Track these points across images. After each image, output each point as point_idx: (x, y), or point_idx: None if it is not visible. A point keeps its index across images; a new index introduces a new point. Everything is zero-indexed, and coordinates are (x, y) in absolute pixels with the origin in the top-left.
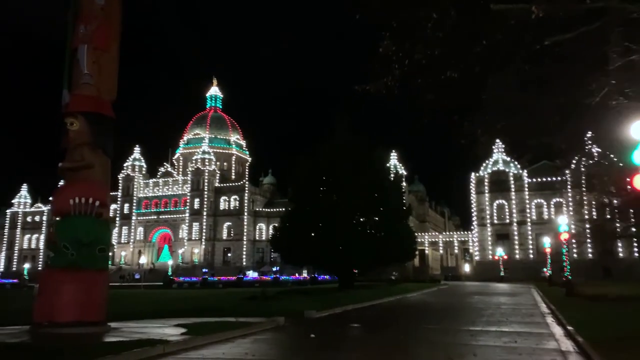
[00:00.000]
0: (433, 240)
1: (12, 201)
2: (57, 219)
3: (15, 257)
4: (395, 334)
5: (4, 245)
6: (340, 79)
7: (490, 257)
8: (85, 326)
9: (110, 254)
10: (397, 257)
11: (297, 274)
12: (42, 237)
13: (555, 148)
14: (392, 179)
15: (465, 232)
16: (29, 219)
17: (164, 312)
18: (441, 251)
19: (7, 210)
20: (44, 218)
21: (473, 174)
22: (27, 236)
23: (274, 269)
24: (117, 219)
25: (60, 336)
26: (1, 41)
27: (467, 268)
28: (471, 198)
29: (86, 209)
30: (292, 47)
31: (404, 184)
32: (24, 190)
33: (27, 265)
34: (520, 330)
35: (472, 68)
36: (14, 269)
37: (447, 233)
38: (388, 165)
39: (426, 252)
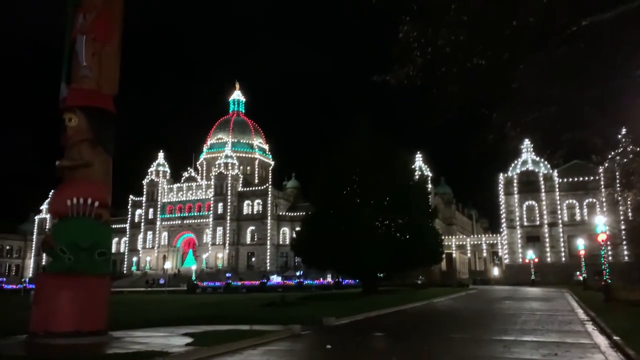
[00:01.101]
0: (460, 243)
1: (40, 208)
2: (55, 221)
3: (43, 263)
4: (419, 344)
5: (33, 251)
6: (361, 79)
7: (520, 260)
8: (83, 336)
9: (135, 259)
10: (423, 260)
11: (321, 279)
12: None
13: (589, 144)
14: (417, 179)
15: (494, 235)
16: None
17: (177, 320)
18: (469, 255)
19: (35, 217)
20: None
21: (501, 174)
22: None
23: (298, 273)
24: (142, 224)
25: (54, 347)
26: (18, 48)
27: (496, 272)
28: (500, 199)
29: (84, 210)
30: (308, 48)
31: (430, 186)
32: (50, 197)
33: None
34: (559, 341)
35: (501, 55)
36: None
37: (475, 236)
38: (413, 166)
39: (453, 255)
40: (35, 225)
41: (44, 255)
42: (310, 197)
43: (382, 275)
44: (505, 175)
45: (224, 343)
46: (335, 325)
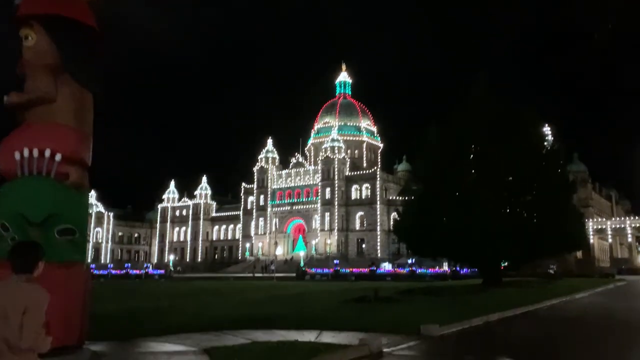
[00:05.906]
0: (599, 227)
1: (163, 197)
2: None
3: (166, 249)
4: None
5: (157, 238)
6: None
7: None
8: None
9: (248, 245)
10: (560, 246)
11: (436, 267)
12: (189, 230)
13: None
14: (549, 149)
15: None
16: (177, 212)
17: (235, 320)
18: (610, 240)
19: (159, 205)
20: (190, 211)
21: None
22: (176, 229)
23: (410, 261)
24: (254, 210)
25: None
26: None
27: None
28: None
29: (39, 167)
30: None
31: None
32: (172, 186)
33: (172, 257)
34: None
35: None
36: (165, 260)
37: (617, 219)
38: (543, 133)
39: (591, 241)
40: (158, 213)
41: (167, 242)
42: (417, 174)
43: (506, 264)
44: None
45: None
46: (438, 337)
